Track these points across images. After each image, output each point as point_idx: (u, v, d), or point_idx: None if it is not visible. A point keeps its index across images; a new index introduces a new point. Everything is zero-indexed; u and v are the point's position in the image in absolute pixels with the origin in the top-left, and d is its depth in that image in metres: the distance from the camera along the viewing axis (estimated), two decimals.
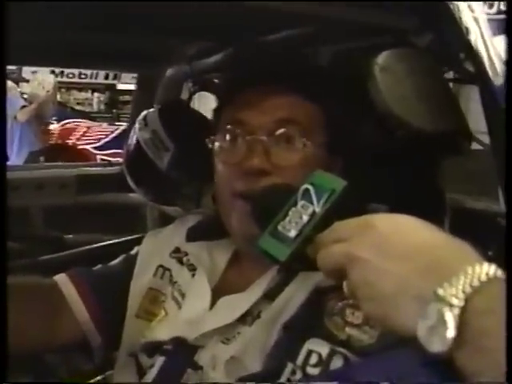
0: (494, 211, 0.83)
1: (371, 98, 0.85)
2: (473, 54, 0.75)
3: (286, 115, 0.88)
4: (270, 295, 0.85)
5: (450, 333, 0.42)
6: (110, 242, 1.77)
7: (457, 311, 0.42)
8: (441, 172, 0.98)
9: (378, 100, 0.84)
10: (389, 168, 0.93)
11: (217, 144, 0.93)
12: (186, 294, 0.96)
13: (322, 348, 0.75)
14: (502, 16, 0.77)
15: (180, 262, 1.01)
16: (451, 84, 1.02)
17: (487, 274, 0.44)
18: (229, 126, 0.91)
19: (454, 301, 0.43)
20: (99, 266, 1.10)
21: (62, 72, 9.26)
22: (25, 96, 6.30)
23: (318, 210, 0.59)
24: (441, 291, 0.44)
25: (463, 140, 0.91)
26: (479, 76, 0.76)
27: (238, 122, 0.90)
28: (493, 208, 0.85)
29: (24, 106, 5.85)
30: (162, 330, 0.93)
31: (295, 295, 0.83)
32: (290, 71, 0.92)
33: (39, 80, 6.07)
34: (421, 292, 0.45)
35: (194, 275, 0.97)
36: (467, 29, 0.75)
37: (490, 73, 0.75)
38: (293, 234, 0.59)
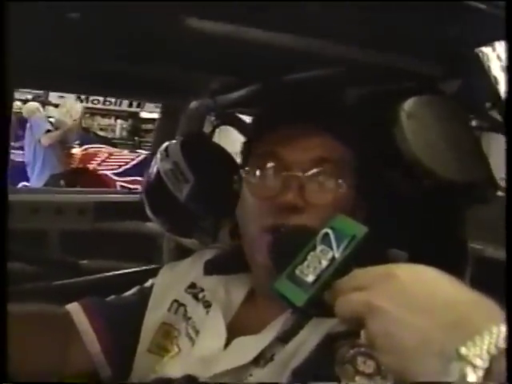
0: None
1: (397, 144, 0.84)
2: (501, 104, 0.74)
3: (322, 154, 0.88)
4: (283, 338, 0.84)
5: None
6: (126, 271, 1.77)
7: (481, 373, 0.41)
8: (464, 221, 0.97)
9: (405, 148, 0.84)
10: (413, 215, 0.91)
11: (248, 177, 0.92)
12: (200, 330, 0.94)
13: None
14: None
15: (195, 297, 1.00)
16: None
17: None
18: (263, 160, 0.90)
19: (478, 362, 0.41)
20: (113, 296, 1.09)
21: (87, 97, 9.42)
22: (51, 119, 6.41)
23: (337, 255, 0.58)
24: (464, 350, 0.42)
25: (489, 189, 0.90)
26: (506, 125, 0.75)
27: (274, 156, 0.89)
28: None
29: (49, 130, 5.94)
30: (174, 367, 0.92)
31: (308, 340, 0.81)
32: (324, 111, 0.93)
33: (67, 107, 6.17)
34: (443, 348, 0.44)
35: (208, 312, 0.96)
36: (495, 78, 0.75)
37: None
38: (311, 279, 0.58)
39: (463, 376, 0.41)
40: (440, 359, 0.44)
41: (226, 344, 0.89)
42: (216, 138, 1.70)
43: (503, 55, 0.78)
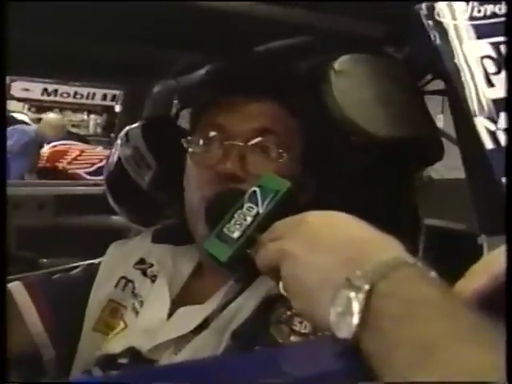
0: (473, 232, 0.88)
1: (326, 102, 0.91)
2: (440, 66, 0.81)
3: (265, 124, 0.95)
4: (224, 306, 0.91)
5: (355, 319, 0.47)
6: (84, 262, 1.81)
7: (362, 296, 0.47)
8: (413, 186, 1.04)
9: (332, 104, 0.90)
10: (360, 182, 0.98)
11: (192, 147, 0.99)
12: (144, 302, 1.01)
13: None
14: (483, 21, 0.83)
15: (144, 273, 1.06)
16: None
17: (397, 260, 0.49)
18: (207, 130, 0.97)
19: (361, 286, 0.48)
20: (58, 275, 1.15)
21: (56, 91, 9.40)
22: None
23: (261, 210, 0.65)
24: (352, 278, 0.49)
25: (431, 148, 0.96)
26: (449, 85, 0.82)
27: (217, 126, 0.96)
28: (472, 229, 0.90)
29: None
30: (117, 341, 0.98)
31: (246, 304, 0.88)
32: (272, 81, 0.99)
33: (48, 119, 6.27)
34: (338, 282, 0.50)
35: (153, 283, 1.02)
36: (435, 36, 0.81)
37: (464, 79, 0.80)
38: (236, 235, 0.65)
39: (348, 301, 0.48)
40: (333, 292, 0.50)
41: (171, 314, 0.95)
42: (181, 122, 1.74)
43: (460, 14, 0.84)
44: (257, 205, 0.66)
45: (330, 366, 0.50)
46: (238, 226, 0.66)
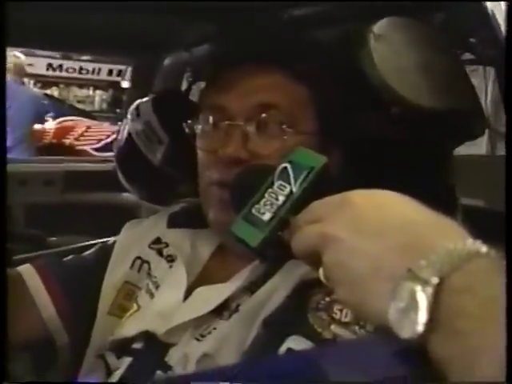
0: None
1: (364, 70, 0.84)
2: (489, 25, 0.74)
3: (266, 99, 0.89)
4: (251, 288, 0.85)
5: (422, 316, 0.41)
6: (95, 241, 1.77)
7: (430, 290, 0.41)
8: (450, 160, 0.97)
9: (371, 72, 0.83)
10: (393, 157, 0.92)
11: (198, 129, 0.94)
12: (160, 285, 0.96)
13: (303, 347, 0.73)
14: None
15: (159, 253, 1.02)
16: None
17: (468, 250, 0.43)
18: (208, 111, 0.92)
19: (429, 279, 0.41)
20: (71, 256, 1.11)
21: (61, 66, 9.35)
22: None
23: (294, 189, 0.59)
24: (415, 269, 0.42)
25: (474, 121, 0.90)
26: (497, 55, 0.75)
27: (218, 106, 0.91)
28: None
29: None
30: (132, 325, 0.93)
31: (278, 288, 0.82)
32: (277, 48, 0.93)
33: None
34: (394, 271, 0.44)
35: (171, 267, 0.98)
36: (489, 13, 0.74)
37: None
38: (267, 217, 0.59)
39: (412, 295, 0.42)
40: (391, 283, 0.44)
41: (188, 296, 0.90)
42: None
43: None
44: (289, 183, 0.60)
45: (387, 370, 0.44)
46: (268, 207, 0.59)
